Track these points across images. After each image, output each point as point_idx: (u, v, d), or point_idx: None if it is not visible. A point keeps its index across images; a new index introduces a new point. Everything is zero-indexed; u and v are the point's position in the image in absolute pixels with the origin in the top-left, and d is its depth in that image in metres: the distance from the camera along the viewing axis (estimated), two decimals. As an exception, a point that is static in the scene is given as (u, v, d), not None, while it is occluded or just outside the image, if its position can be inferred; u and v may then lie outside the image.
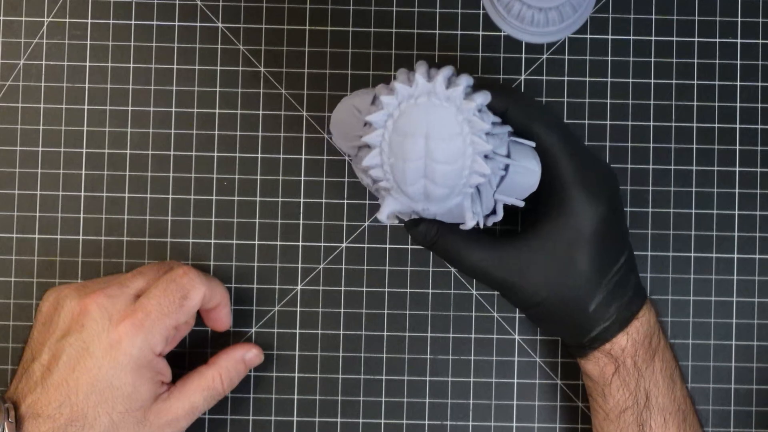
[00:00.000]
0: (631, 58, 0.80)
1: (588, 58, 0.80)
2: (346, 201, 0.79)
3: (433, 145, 0.61)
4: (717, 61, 0.79)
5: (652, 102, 0.79)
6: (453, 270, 0.79)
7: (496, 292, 0.78)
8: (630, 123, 0.79)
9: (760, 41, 0.80)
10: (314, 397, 0.79)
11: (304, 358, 0.79)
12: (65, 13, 0.80)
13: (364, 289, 0.79)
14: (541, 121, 0.68)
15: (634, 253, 0.79)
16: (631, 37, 0.80)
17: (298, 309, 0.79)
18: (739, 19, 0.80)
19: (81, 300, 0.72)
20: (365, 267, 0.79)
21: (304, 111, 0.79)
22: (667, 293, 0.79)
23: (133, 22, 0.80)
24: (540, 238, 0.69)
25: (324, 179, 0.79)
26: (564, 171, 0.68)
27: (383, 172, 0.63)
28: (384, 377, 0.79)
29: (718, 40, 0.80)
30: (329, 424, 0.79)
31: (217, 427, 0.79)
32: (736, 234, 0.79)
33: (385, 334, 0.79)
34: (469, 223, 0.64)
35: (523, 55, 0.80)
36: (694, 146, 0.79)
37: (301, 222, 0.79)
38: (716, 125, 0.79)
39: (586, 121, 0.79)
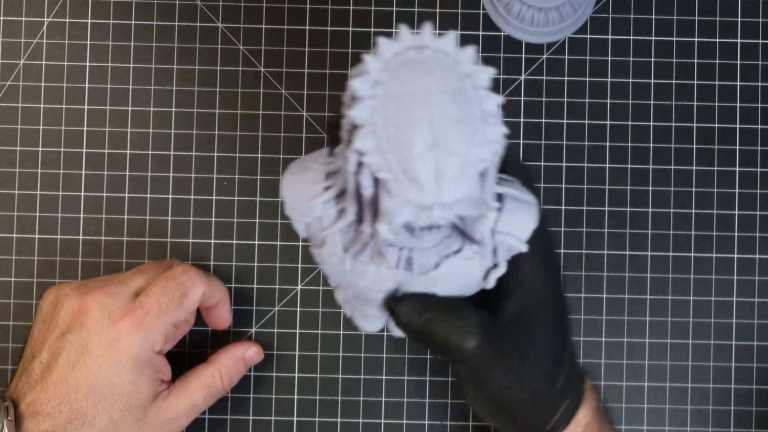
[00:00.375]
0: (631, 58, 0.80)
1: (588, 58, 0.80)
2: (346, 201, 0.79)
3: (436, 100, 0.50)
4: (717, 61, 0.80)
5: (652, 102, 0.79)
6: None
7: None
8: (630, 123, 0.79)
9: (760, 41, 0.80)
10: (314, 397, 0.79)
11: (304, 358, 0.79)
12: (65, 13, 0.80)
13: (364, 289, 0.79)
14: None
15: (634, 253, 0.79)
16: (631, 37, 0.80)
17: (298, 309, 0.79)
18: (739, 19, 0.80)
19: (81, 298, 0.72)
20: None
21: (304, 111, 0.79)
22: (667, 293, 0.79)
23: (133, 22, 0.80)
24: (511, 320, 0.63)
25: (324, 179, 0.79)
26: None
27: (382, 156, 0.50)
28: (384, 377, 0.79)
29: (718, 40, 0.80)
30: (329, 424, 0.79)
31: (217, 427, 0.79)
32: (736, 234, 0.79)
33: (385, 334, 0.79)
34: (489, 222, 0.54)
35: (523, 55, 0.80)
36: (694, 146, 0.79)
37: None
38: (716, 125, 0.79)
39: (586, 121, 0.79)
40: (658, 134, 0.79)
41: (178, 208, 0.79)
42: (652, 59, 0.80)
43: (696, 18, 0.80)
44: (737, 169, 0.79)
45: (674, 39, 0.80)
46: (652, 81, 0.80)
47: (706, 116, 0.79)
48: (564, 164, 0.79)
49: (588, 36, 0.80)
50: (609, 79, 0.79)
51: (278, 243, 0.79)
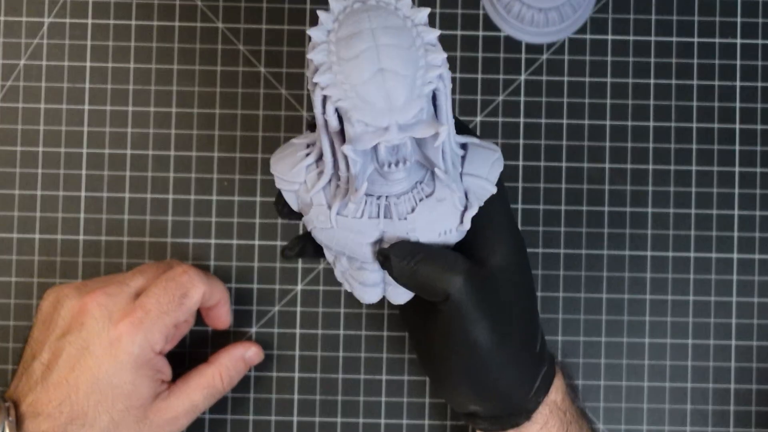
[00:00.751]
0: (630, 59, 0.80)
1: (588, 58, 0.80)
2: (346, 201, 0.79)
3: (381, 34, 0.57)
4: (717, 62, 0.80)
5: (651, 102, 0.80)
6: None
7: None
8: (630, 123, 0.79)
9: (760, 41, 0.80)
10: (314, 397, 0.79)
11: (304, 358, 0.79)
12: (65, 13, 0.80)
13: (364, 289, 0.79)
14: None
15: (634, 253, 0.79)
16: (631, 38, 0.80)
17: (298, 309, 0.79)
18: (739, 20, 0.80)
19: (81, 299, 0.72)
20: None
21: (304, 111, 0.80)
22: (666, 293, 0.79)
23: (133, 22, 0.80)
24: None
25: (324, 179, 0.79)
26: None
27: (339, 88, 0.57)
28: (384, 377, 0.79)
29: (717, 40, 0.80)
30: (329, 424, 0.79)
31: (217, 427, 0.79)
32: (735, 234, 0.79)
33: (385, 334, 0.79)
34: (442, 135, 0.58)
35: (523, 55, 0.80)
36: (694, 146, 0.79)
37: (301, 222, 0.79)
38: (716, 125, 0.79)
39: (586, 122, 0.79)
40: (658, 134, 0.80)
41: (178, 208, 0.79)
42: (652, 59, 0.80)
43: (696, 18, 0.80)
44: (737, 169, 0.79)
45: (674, 39, 0.80)
46: (652, 81, 0.80)
47: (705, 116, 0.79)
48: (564, 164, 0.79)
49: (588, 36, 0.80)
50: (609, 80, 0.80)
51: (278, 243, 0.79)
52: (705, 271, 0.79)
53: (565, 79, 0.80)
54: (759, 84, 0.79)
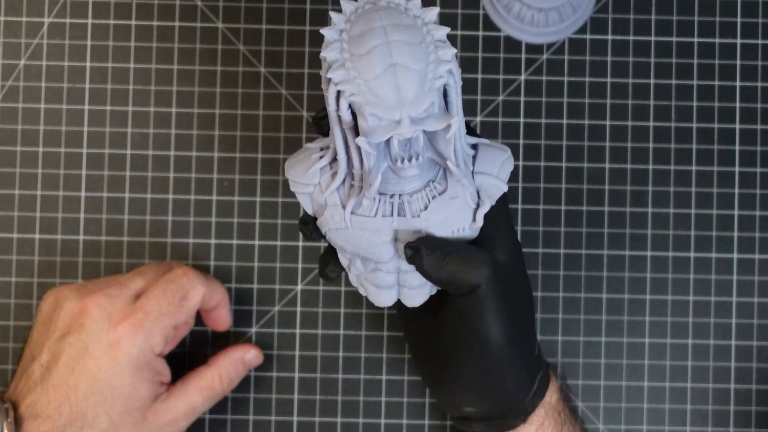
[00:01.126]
0: (630, 59, 0.80)
1: (588, 58, 0.80)
2: (346, 201, 0.79)
3: (392, 31, 0.59)
4: (717, 62, 0.80)
5: (651, 102, 0.79)
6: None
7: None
8: (630, 123, 0.79)
9: (760, 41, 0.80)
10: (314, 397, 0.79)
11: (304, 358, 0.79)
12: (65, 13, 0.80)
13: (364, 289, 0.79)
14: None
15: (634, 253, 0.79)
16: (631, 38, 0.80)
17: (298, 309, 0.79)
18: (739, 20, 0.80)
19: (80, 300, 0.72)
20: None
21: (304, 111, 0.79)
22: (666, 293, 0.79)
23: (133, 22, 0.80)
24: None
25: (324, 179, 0.79)
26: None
27: (352, 83, 0.59)
28: (384, 377, 0.79)
29: (717, 40, 0.80)
30: (329, 424, 0.79)
31: (217, 427, 0.79)
32: (735, 234, 0.79)
33: (385, 334, 0.79)
34: (454, 127, 0.59)
35: (523, 55, 0.80)
36: (694, 146, 0.79)
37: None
38: (716, 125, 0.79)
39: (586, 122, 0.79)
40: (658, 134, 0.79)
41: (178, 208, 0.79)
42: (652, 59, 0.80)
43: (696, 18, 0.80)
44: (737, 169, 0.79)
45: (674, 39, 0.80)
46: (652, 81, 0.80)
47: (705, 116, 0.79)
48: (564, 164, 0.79)
49: (588, 36, 0.80)
50: (609, 80, 0.79)
51: (278, 243, 0.79)
52: (705, 271, 0.79)
53: (565, 79, 0.80)
54: (759, 84, 0.79)
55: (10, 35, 0.80)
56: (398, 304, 0.70)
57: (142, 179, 0.79)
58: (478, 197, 0.64)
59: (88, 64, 0.80)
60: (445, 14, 0.80)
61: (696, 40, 0.80)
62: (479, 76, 0.79)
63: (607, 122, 0.79)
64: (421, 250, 0.62)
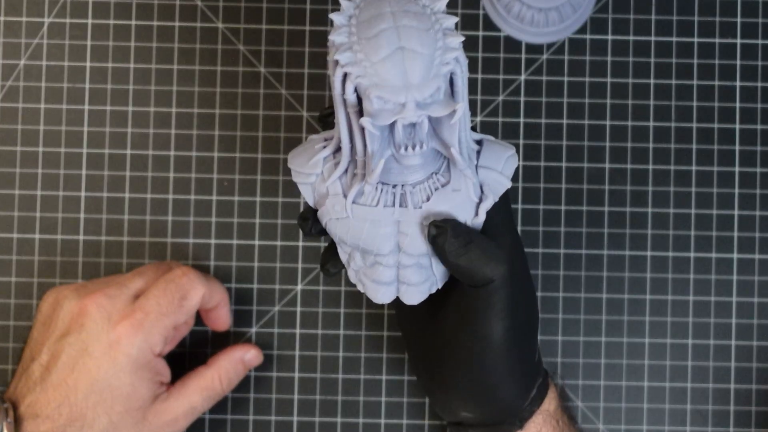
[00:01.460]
0: (630, 59, 0.80)
1: (588, 58, 0.80)
2: (346, 201, 0.79)
3: (401, 17, 0.59)
4: (717, 62, 0.79)
5: (651, 102, 0.79)
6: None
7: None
8: (630, 123, 0.79)
9: (760, 41, 0.80)
10: (314, 397, 0.79)
11: (304, 358, 0.79)
12: (65, 13, 0.80)
13: (364, 289, 0.79)
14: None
15: (634, 253, 0.79)
16: (631, 38, 0.80)
17: (298, 309, 0.79)
18: (739, 20, 0.80)
19: (80, 300, 0.72)
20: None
21: (304, 111, 0.80)
22: (666, 293, 0.79)
23: (133, 22, 0.80)
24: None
25: (324, 179, 0.79)
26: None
27: (359, 65, 0.59)
28: (384, 377, 0.79)
29: (717, 40, 0.80)
30: (329, 424, 0.79)
31: (217, 427, 0.79)
32: (735, 234, 0.79)
33: (385, 334, 0.79)
34: (459, 112, 0.59)
35: (523, 55, 0.80)
36: (694, 146, 0.79)
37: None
38: (716, 125, 0.79)
39: (586, 122, 0.79)
40: (658, 134, 0.79)
41: (178, 208, 0.79)
42: (652, 59, 0.80)
43: (696, 18, 0.80)
44: (737, 169, 0.79)
45: (674, 39, 0.80)
46: (652, 81, 0.80)
47: (705, 116, 0.79)
48: (564, 164, 0.79)
49: (588, 36, 0.80)
50: (609, 80, 0.79)
51: (278, 243, 0.79)
52: (705, 271, 0.79)
53: (565, 79, 0.80)
54: (759, 84, 0.79)
55: (10, 35, 0.80)
56: (397, 306, 0.70)
57: (142, 179, 0.79)
58: (482, 192, 0.64)
59: (88, 64, 0.80)
60: (445, 14, 0.80)
61: (696, 40, 0.80)
62: (479, 76, 0.79)
63: (607, 122, 0.79)
64: (448, 231, 0.62)
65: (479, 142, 0.64)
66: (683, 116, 0.79)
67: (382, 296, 0.65)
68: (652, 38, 0.80)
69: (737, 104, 0.79)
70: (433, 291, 0.66)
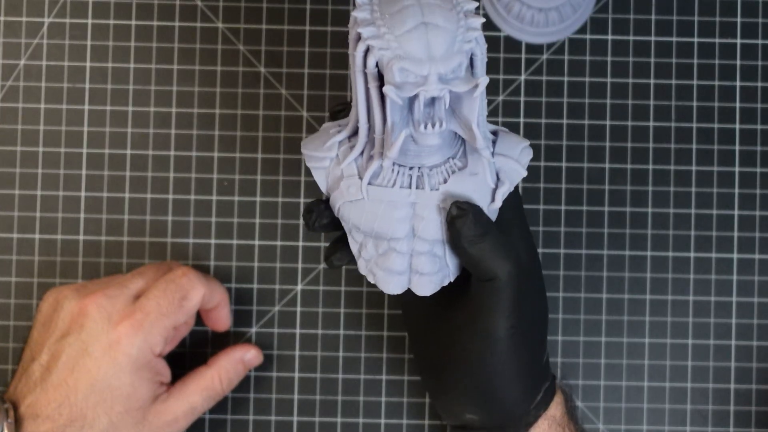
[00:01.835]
0: (630, 59, 0.80)
1: (588, 58, 0.80)
2: (346, 201, 0.79)
3: None
4: (717, 62, 0.80)
5: (651, 102, 0.80)
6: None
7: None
8: (630, 123, 0.79)
9: (760, 41, 0.80)
10: (314, 397, 0.79)
11: (304, 358, 0.79)
12: (65, 13, 0.80)
13: (364, 288, 0.79)
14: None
15: (634, 253, 0.79)
16: (631, 38, 0.80)
17: (298, 309, 0.79)
18: (739, 20, 0.80)
19: (80, 300, 0.72)
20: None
21: (304, 111, 0.79)
22: (666, 293, 0.79)
23: (133, 22, 0.80)
24: None
25: (324, 179, 0.79)
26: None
27: (381, 38, 0.59)
28: (384, 377, 0.79)
29: (717, 40, 0.80)
30: (329, 424, 0.79)
31: (217, 427, 0.79)
32: (735, 234, 0.79)
33: (385, 334, 0.79)
34: (482, 86, 0.60)
35: (523, 55, 0.80)
36: (694, 146, 0.79)
37: (301, 222, 0.79)
38: (716, 125, 0.79)
39: (586, 122, 0.79)
40: (658, 134, 0.79)
41: (178, 208, 0.79)
42: (652, 59, 0.80)
43: (696, 18, 0.80)
44: (737, 169, 0.79)
45: (674, 39, 0.80)
46: (652, 81, 0.80)
47: (705, 116, 0.79)
48: (564, 164, 0.79)
49: (588, 36, 0.80)
50: (609, 80, 0.79)
51: (278, 243, 0.79)
52: (705, 271, 0.79)
53: (565, 79, 0.80)
54: (759, 84, 0.79)
55: (10, 35, 0.80)
56: (404, 304, 0.70)
57: (142, 179, 0.79)
58: (498, 179, 0.64)
59: (88, 64, 0.80)
60: (445, 14, 0.80)
61: (696, 40, 0.80)
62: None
63: (607, 122, 0.79)
64: (469, 215, 0.61)
65: (494, 133, 0.65)
66: (683, 116, 0.79)
67: (393, 287, 0.64)
68: (652, 38, 0.80)
69: (737, 104, 0.79)
70: (446, 283, 0.65)
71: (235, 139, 0.79)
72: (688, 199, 0.79)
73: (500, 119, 0.79)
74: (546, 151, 0.79)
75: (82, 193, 0.79)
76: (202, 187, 0.79)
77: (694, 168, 0.79)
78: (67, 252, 0.79)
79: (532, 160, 0.79)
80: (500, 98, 0.79)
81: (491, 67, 0.79)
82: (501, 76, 0.80)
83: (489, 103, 0.79)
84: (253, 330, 0.79)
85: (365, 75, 0.60)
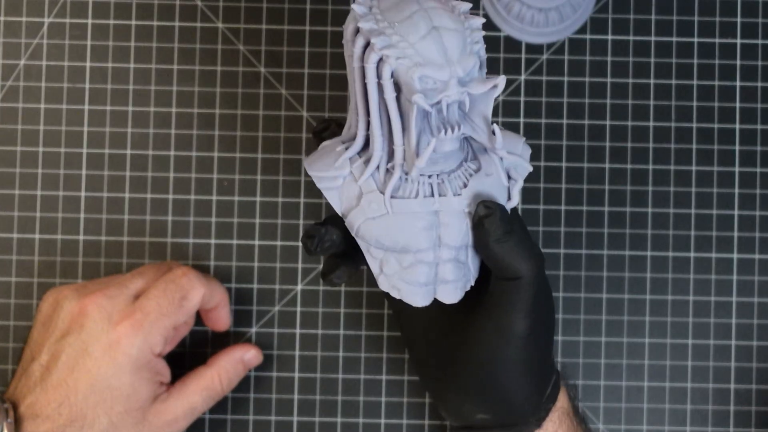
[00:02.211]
0: (630, 59, 0.80)
1: (588, 58, 0.80)
2: (346, 201, 0.79)
3: (424, 1, 0.60)
4: (717, 62, 0.80)
5: (651, 102, 0.80)
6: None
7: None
8: (630, 123, 0.79)
9: (760, 41, 0.80)
10: (314, 397, 0.79)
11: (304, 358, 0.79)
12: (65, 13, 0.80)
13: (364, 289, 0.79)
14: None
15: (634, 253, 0.79)
16: (631, 38, 0.80)
17: (298, 309, 0.79)
18: (739, 20, 0.80)
19: (80, 300, 0.72)
20: (365, 267, 0.79)
21: (304, 111, 0.79)
22: (666, 293, 0.79)
23: (133, 22, 0.80)
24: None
25: (324, 179, 0.79)
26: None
27: (396, 46, 0.59)
28: (384, 377, 0.79)
29: (717, 40, 0.80)
30: (329, 424, 0.79)
31: (217, 427, 0.79)
32: (735, 234, 0.79)
33: (385, 334, 0.79)
34: (501, 84, 0.60)
35: (523, 55, 0.80)
36: (694, 146, 0.79)
37: (301, 222, 0.79)
38: (716, 125, 0.79)
39: (586, 122, 0.79)
40: (658, 134, 0.79)
41: (178, 208, 0.79)
42: (652, 59, 0.80)
43: (696, 18, 0.80)
44: (737, 169, 0.79)
45: (674, 39, 0.80)
46: (652, 81, 0.80)
47: (705, 116, 0.79)
48: (564, 164, 0.79)
49: (588, 36, 0.80)
50: (609, 80, 0.79)
51: (278, 243, 0.79)
52: (705, 271, 0.79)
53: (565, 79, 0.80)
54: (759, 84, 0.79)
55: (10, 35, 0.80)
56: (398, 308, 0.69)
57: (142, 179, 0.79)
58: (509, 177, 0.64)
59: (88, 64, 0.80)
60: (445, 14, 0.80)
61: (696, 40, 0.80)
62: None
63: (607, 122, 0.79)
64: (497, 213, 0.62)
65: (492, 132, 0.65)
66: (683, 116, 0.79)
67: (420, 299, 0.64)
68: (652, 38, 0.80)
69: (737, 104, 0.79)
70: (468, 288, 0.65)
71: (235, 139, 0.80)
72: (688, 199, 0.79)
73: (500, 119, 0.79)
74: (546, 151, 0.79)
75: (82, 193, 0.79)
76: (202, 187, 0.79)
77: (694, 168, 0.79)
78: (67, 252, 0.79)
79: (532, 160, 0.79)
80: (500, 98, 0.79)
81: (491, 67, 0.79)
82: (501, 77, 0.79)
83: (489, 103, 0.79)
84: (253, 330, 0.79)
85: (379, 86, 0.60)
